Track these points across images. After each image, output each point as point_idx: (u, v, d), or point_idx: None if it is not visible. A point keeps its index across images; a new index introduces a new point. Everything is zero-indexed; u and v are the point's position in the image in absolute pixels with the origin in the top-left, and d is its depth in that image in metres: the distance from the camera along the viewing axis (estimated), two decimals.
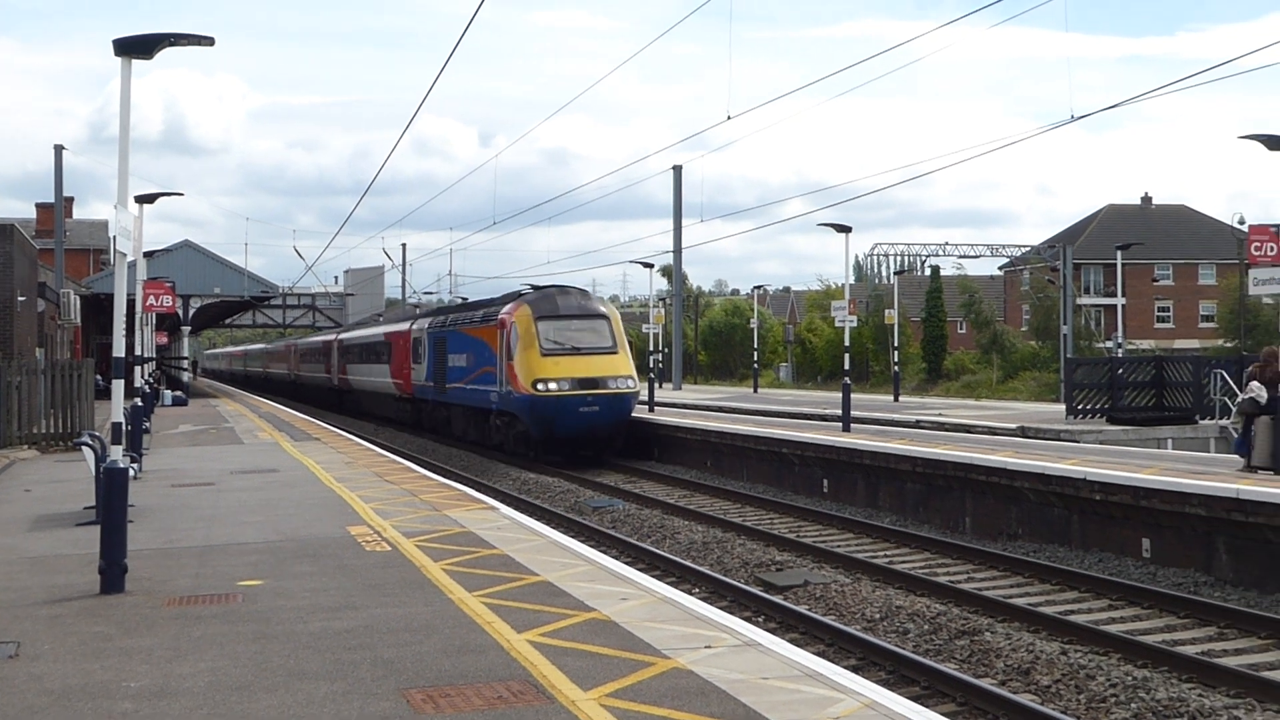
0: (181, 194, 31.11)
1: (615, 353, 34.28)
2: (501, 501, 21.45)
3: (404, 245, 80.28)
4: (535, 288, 38.07)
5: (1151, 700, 11.27)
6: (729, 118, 32.07)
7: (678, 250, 42.41)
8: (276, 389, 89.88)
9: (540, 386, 33.05)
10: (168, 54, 13.41)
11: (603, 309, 36.16)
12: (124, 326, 13.57)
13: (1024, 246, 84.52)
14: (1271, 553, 16.21)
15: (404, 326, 49.87)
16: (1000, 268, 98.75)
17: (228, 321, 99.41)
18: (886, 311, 60.45)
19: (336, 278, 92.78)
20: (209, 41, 13.14)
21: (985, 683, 11.96)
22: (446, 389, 41.48)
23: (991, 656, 13.07)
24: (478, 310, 40.71)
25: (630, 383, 34.03)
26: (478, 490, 23.57)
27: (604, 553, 16.70)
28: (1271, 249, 20.09)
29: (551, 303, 35.14)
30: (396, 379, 50.14)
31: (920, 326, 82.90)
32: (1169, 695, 11.33)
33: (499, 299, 40.03)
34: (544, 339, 33.74)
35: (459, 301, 60.58)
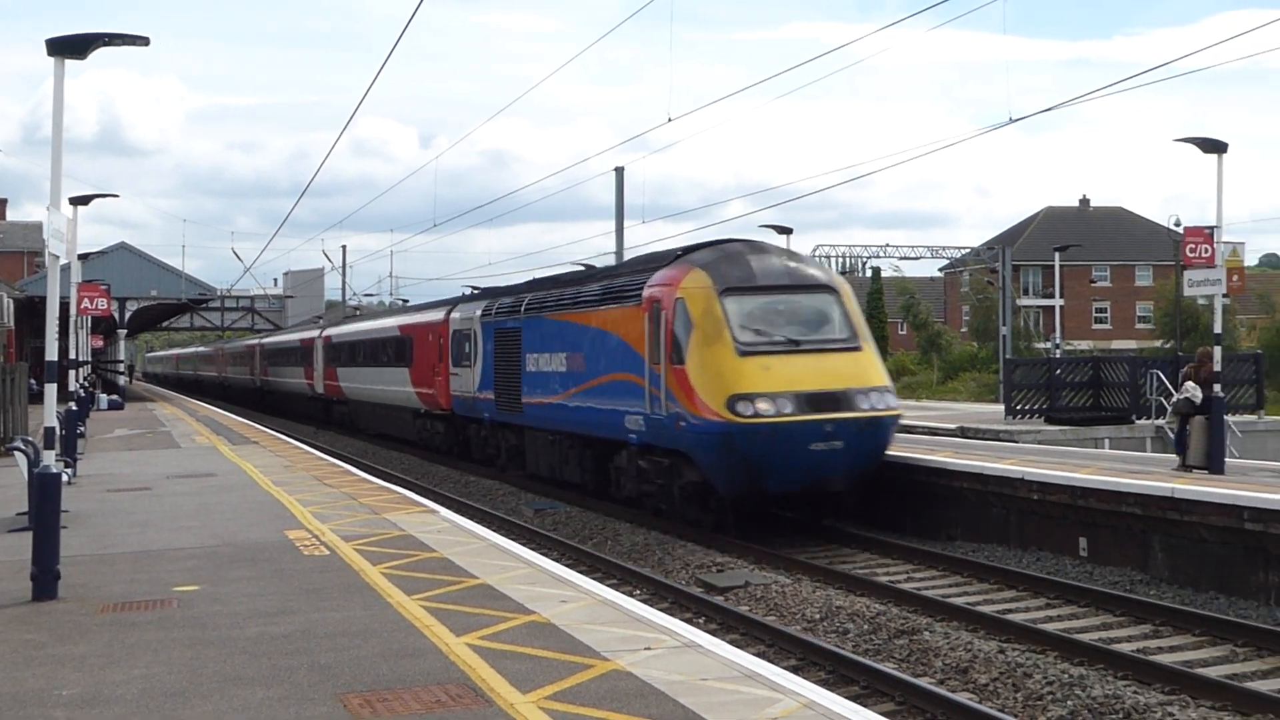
0: (117, 195, 30.80)
1: (858, 348, 20.89)
2: (441, 504, 21.34)
3: (344, 247, 79.55)
4: (711, 244, 22.93)
5: (1087, 698, 11.36)
6: (670, 119, 31.14)
7: (620, 252, 42.39)
8: (238, 398, 76.60)
9: (743, 408, 19.61)
10: (103, 54, 13.27)
11: (822, 274, 22.54)
12: (57, 330, 13.40)
13: (964, 248, 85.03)
14: (1205, 551, 16.40)
15: (434, 316, 36.78)
16: (940, 269, 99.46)
17: (165, 324, 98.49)
18: None
19: (276, 280, 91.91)
20: (144, 41, 12.99)
21: (924, 682, 12.02)
22: (524, 405, 27.97)
23: (930, 655, 13.14)
24: (592, 283, 26.23)
25: (890, 399, 20.89)
26: (417, 493, 23.44)
27: (544, 555, 16.64)
28: (1206, 251, 20.34)
29: (742, 266, 21.35)
30: (421, 388, 37.19)
31: None
32: (1104, 693, 11.43)
33: (635, 263, 26.50)
34: (739, 327, 20.39)
35: (485, 288, 38.55)
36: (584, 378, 24.40)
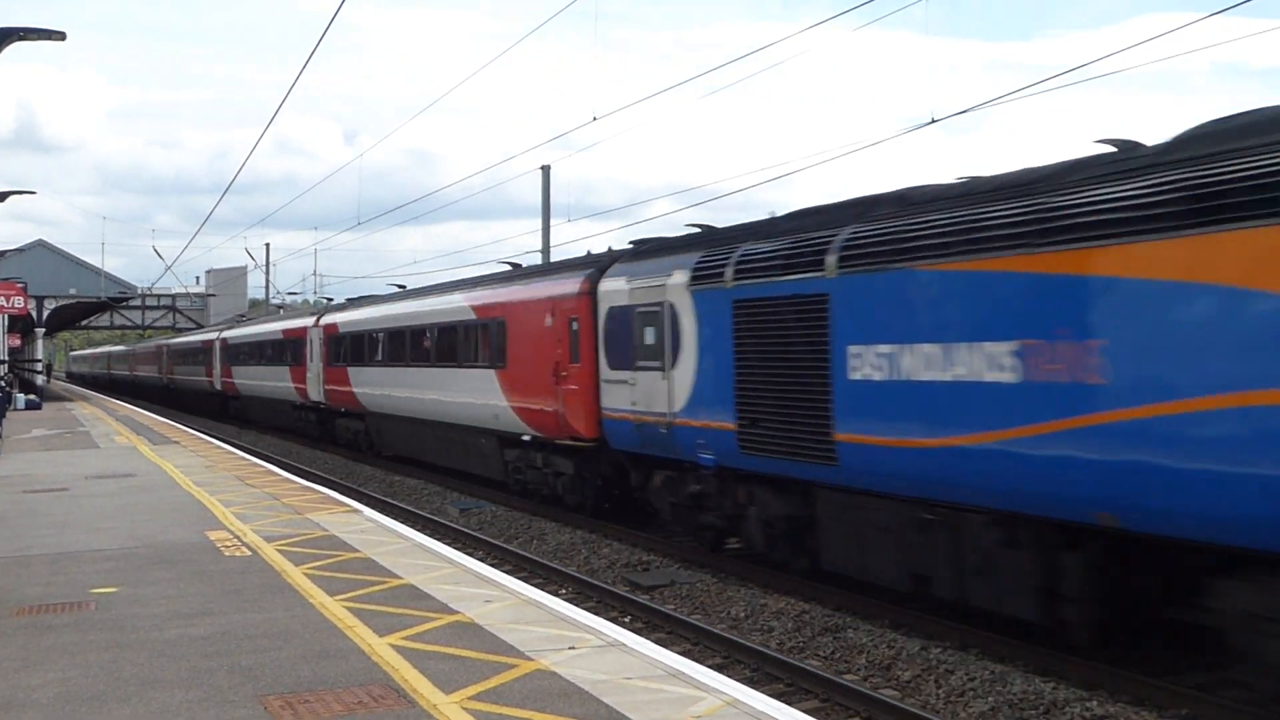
0: (34, 192, 30.42)
1: None
2: (365, 504, 21.20)
3: (267, 245, 79.00)
4: None
5: (1008, 693, 11.48)
6: (595, 119, 31.07)
7: (546, 250, 42.18)
8: (191, 405, 66.30)
9: None
10: (20, 49, 13.08)
11: None
12: None
13: None
14: None
15: (567, 286, 22.17)
16: None
17: (85, 323, 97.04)
18: None
19: (198, 278, 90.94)
20: (60, 36, 12.80)
21: (847, 679, 12.10)
22: (836, 445, 14.37)
23: (854, 653, 13.22)
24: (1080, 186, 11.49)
25: None
26: (341, 493, 23.27)
27: (469, 555, 16.58)
28: None
29: None
30: (522, 399, 23.63)
31: None
32: (1025, 689, 11.56)
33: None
34: None
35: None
36: (1112, 395, 10.66)
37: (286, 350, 43.53)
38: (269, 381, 46.66)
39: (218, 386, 57.88)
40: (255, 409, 51.34)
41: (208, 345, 59.98)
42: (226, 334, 56.60)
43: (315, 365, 39.53)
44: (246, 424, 53.03)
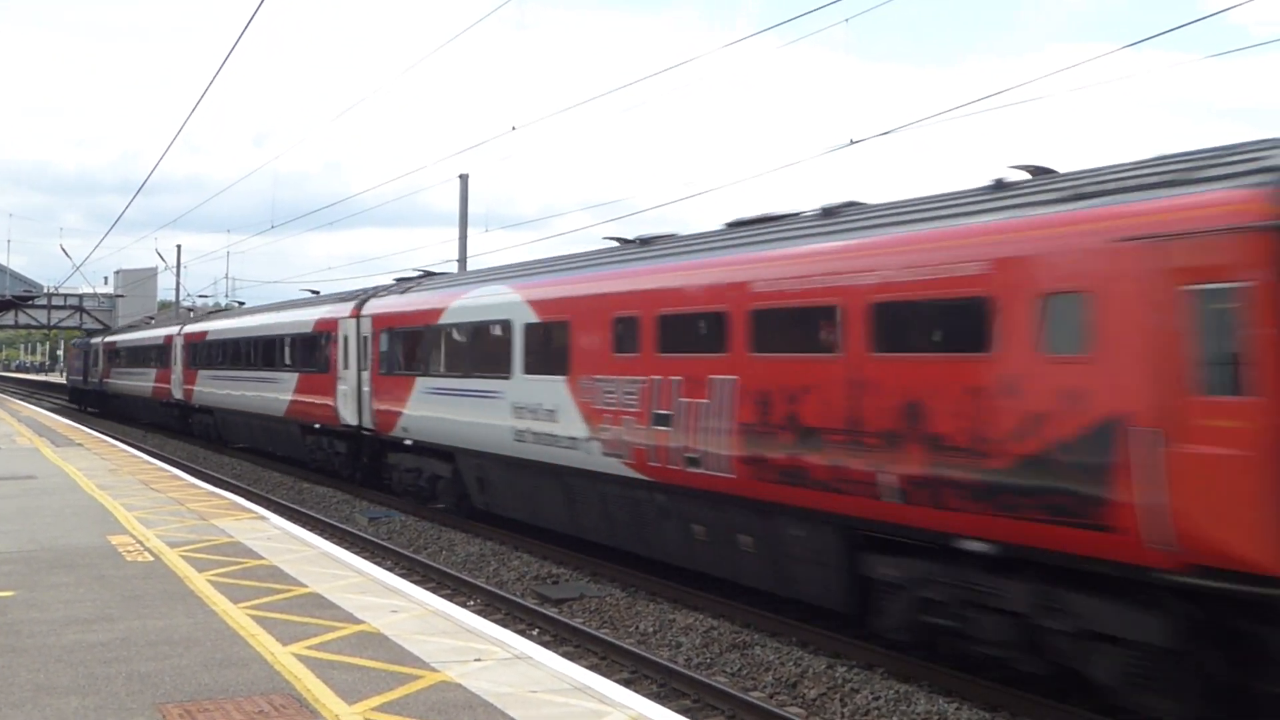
0: None
1: None
2: (273, 511, 20.93)
3: (179, 247, 77.59)
4: None
5: (912, 713, 11.57)
6: (513, 129, 31.09)
7: (463, 260, 41.94)
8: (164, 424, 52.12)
9: None
10: None
11: None
12: None
13: None
14: None
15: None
16: None
17: None
18: None
19: (106, 278, 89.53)
20: None
21: (753, 696, 12.12)
22: None
23: (761, 670, 13.25)
24: None
25: None
26: (248, 499, 22.96)
27: (377, 564, 16.41)
28: None
29: None
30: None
31: None
32: (929, 709, 11.65)
33: None
34: None
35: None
36: None
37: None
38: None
39: (363, 421, 45.27)
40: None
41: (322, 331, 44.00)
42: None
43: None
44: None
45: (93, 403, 68.06)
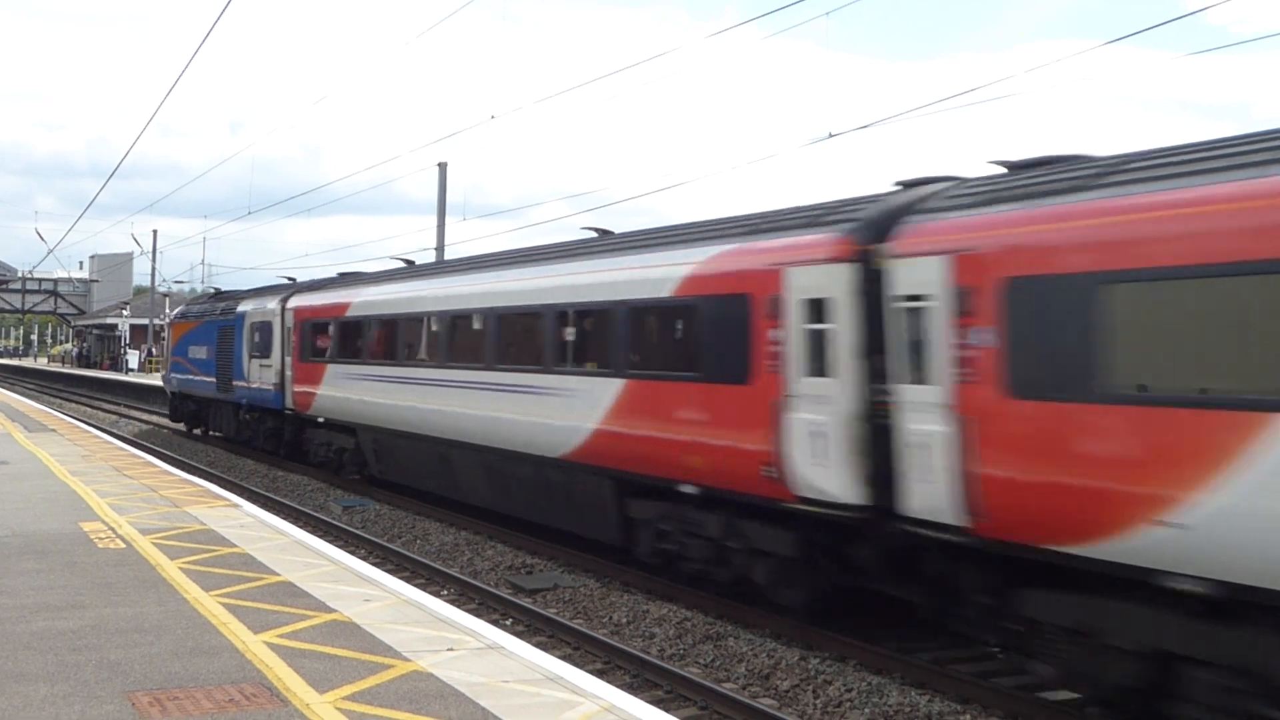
0: None
1: None
2: (246, 499, 20.86)
3: (155, 232, 77.49)
4: None
5: (884, 704, 11.60)
6: (492, 118, 30.98)
7: (441, 248, 41.82)
8: None
9: None
10: None
11: None
12: None
13: None
14: None
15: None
16: None
17: None
18: None
19: (82, 263, 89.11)
20: None
21: (726, 688, 12.12)
22: None
23: (734, 661, 13.26)
24: None
25: None
26: (222, 486, 22.88)
27: (351, 553, 16.37)
28: None
29: None
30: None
31: None
32: (901, 700, 11.68)
33: None
34: None
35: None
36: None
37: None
38: None
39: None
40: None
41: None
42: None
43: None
44: None
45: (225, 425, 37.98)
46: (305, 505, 24.83)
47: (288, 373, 30.34)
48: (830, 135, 20.36)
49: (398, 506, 24.37)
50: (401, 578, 15.37)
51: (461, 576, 17.51)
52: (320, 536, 18.22)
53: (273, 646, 9.67)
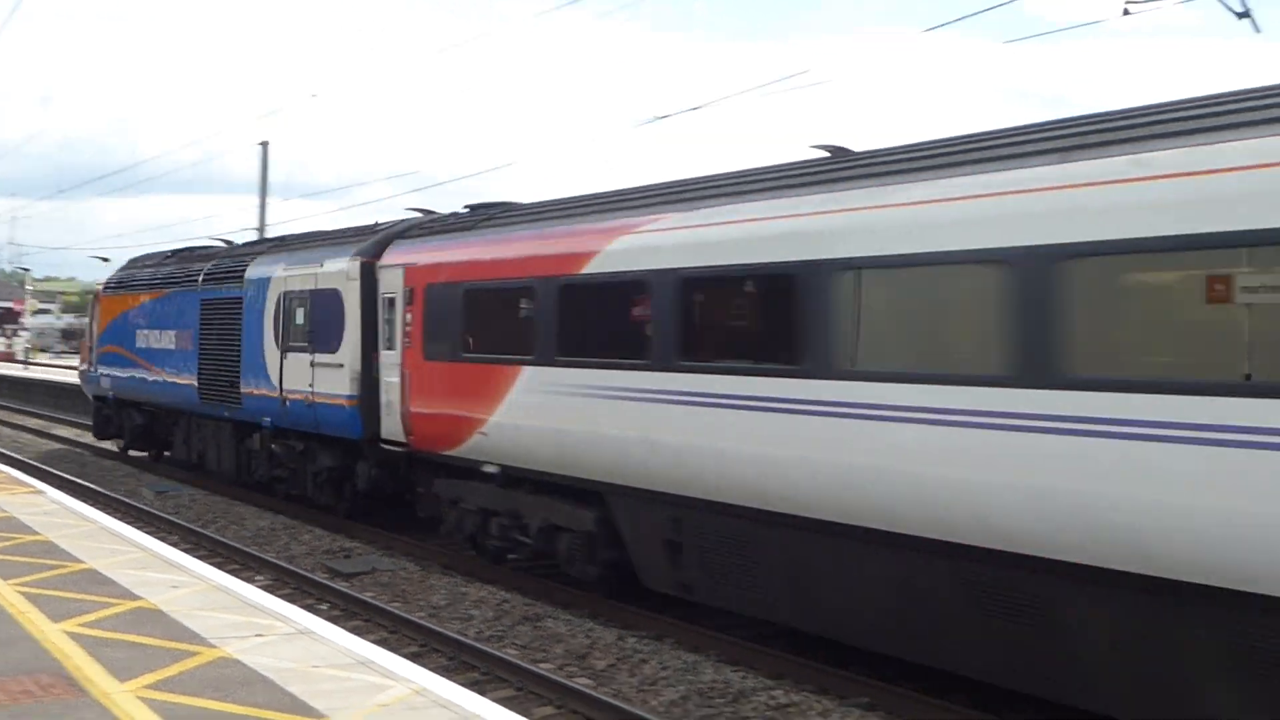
0: None
1: None
2: (52, 485, 20.22)
3: None
4: None
5: (699, 682, 11.73)
6: (314, 96, 30.34)
7: (262, 228, 41.03)
8: None
9: None
10: None
11: None
12: None
13: None
14: None
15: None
16: None
17: None
18: None
19: None
20: None
21: (542, 668, 12.13)
22: None
23: (552, 642, 13.29)
24: None
25: None
26: (26, 472, 22.14)
27: (160, 540, 15.98)
28: None
29: None
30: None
31: None
32: (715, 678, 11.83)
33: None
34: None
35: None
36: None
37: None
38: None
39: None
40: None
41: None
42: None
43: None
44: None
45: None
46: (115, 490, 24.11)
47: (389, 378, 18.00)
48: (656, 118, 20.53)
49: (213, 492, 23.83)
50: (213, 563, 15.08)
51: (276, 561, 17.22)
52: (130, 523, 17.74)
53: (73, 635, 9.40)
